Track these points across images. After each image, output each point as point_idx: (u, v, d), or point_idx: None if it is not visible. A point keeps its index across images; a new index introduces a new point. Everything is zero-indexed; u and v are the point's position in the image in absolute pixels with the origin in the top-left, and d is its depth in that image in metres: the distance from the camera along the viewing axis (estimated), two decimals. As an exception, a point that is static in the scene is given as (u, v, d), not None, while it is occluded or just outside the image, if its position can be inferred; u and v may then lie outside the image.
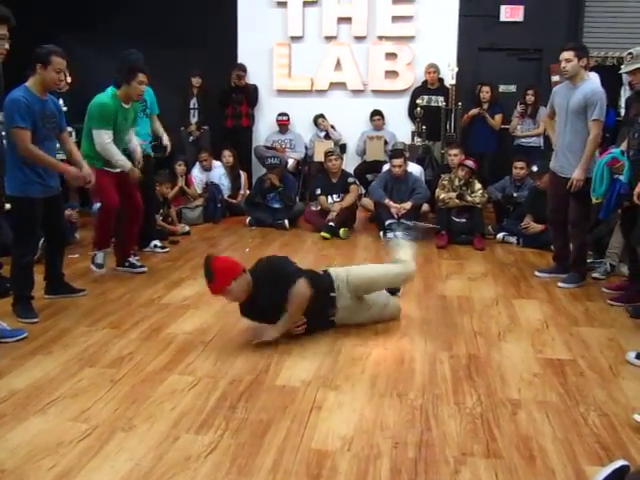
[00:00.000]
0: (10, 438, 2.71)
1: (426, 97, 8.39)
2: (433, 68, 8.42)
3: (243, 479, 2.45)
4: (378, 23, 8.88)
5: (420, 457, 2.60)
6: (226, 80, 8.86)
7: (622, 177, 4.54)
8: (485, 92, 8.13)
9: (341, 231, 6.81)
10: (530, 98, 8.01)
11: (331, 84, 9.13)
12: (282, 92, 9.24)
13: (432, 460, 2.58)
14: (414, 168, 7.52)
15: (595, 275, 5.30)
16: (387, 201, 6.91)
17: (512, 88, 8.99)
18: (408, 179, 7.07)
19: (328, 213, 7.07)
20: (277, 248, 6.40)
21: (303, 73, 9.15)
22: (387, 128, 8.84)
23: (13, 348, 3.69)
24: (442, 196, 6.70)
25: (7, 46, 3.69)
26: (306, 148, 8.98)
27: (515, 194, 6.93)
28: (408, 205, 6.85)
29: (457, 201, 6.65)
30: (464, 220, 6.67)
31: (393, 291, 4.43)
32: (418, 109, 8.15)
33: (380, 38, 8.94)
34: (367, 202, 7.53)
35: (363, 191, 7.87)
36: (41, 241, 4.73)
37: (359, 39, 8.98)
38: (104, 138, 4.89)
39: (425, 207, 7.24)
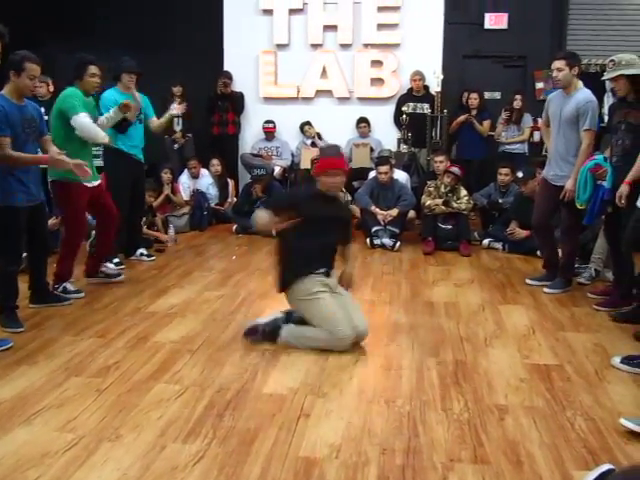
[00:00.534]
0: (-5, 449, 2.69)
1: (412, 104, 8.42)
2: (419, 76, 8.46)
3: (231, 488, 2.45)
4: (363, 31, 8.92)
5: (408, 464, 2.60)
6: (212, 88, 8.85)
7: (605, 183, 4.58)
8: (473, 99, 8.16)
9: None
10: (518, 103, 8.06)
11: (317, 91, 9.15)
12: (268, 99, 9.25)
13: (420, 467, 2.58)
14: (400, 175, 7.54)
15: (580, 280, 5.33)
16: (373, 208, 6.93)
17: (497, 95, 9.04)
18: (394, 186, 7.09)
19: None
20: (264, 255, 6.39)
21: (289, 80, 9.17)
22: (373, 135, 8.87)
23: (-2, 358, 3.66)
24: (428, 203, 6.72)
25: None
26: (292, 155, 8.99)
27: (500, 200, 6.98)
28: (394, 212, 6.87)
29: (443, 208, 6.68)
30: (450, 227, 6.70)
31: None
32: (404, 116, 8.18)
33: (366, 46, 8.98)
34: (353, 209, 7.52)
35: (349, 198, 7.87)
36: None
37: (345, 47, 9.01)
38: (85, 121, 4.74)
39: (411, 214, 7.26)
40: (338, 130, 8.90)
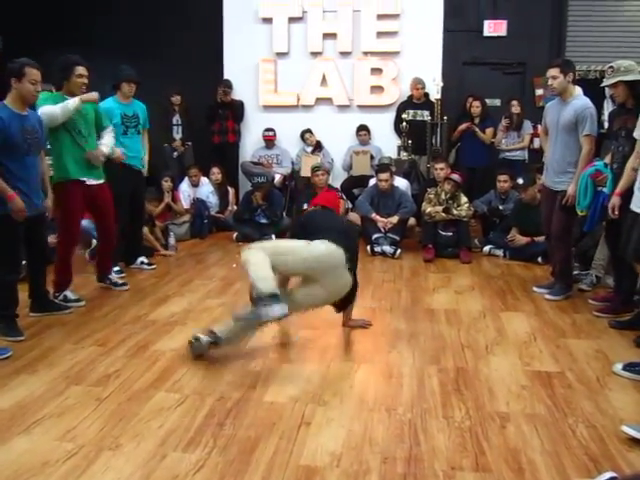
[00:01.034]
0: (-6, 459, 2.68)
1: (411, 111, 8.42)
2: (420, 84, 8.45)
3: (231, 497, 2.44)
4: (363, 39, 8.93)
5: (409, 472, 2.59)
6: (212, 96, 8.87)
7: (606, 189, 4.58)
8: (476, 106, 8.15)
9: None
10: (516, 108, 8.06)
11: (317, 99, 9.16)
12: (268, 108, 9.26)
13: (421, 475, 2.57)
14: (400, 182, 7.54)
15: (581, 287, 5.32)
16: (374, 215, 6.93)
17: (497, 102, 9.05)
18: (394, 193, 7.09)
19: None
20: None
21: (289, 89, 9.18)
22: (373, 143, 8.87)
23: (-3, 367, 3.65)
24: (428, 210, 6.72)
25: None
26: (293, 163, 8.99)
27: (501, 207, 6.98)
28: (395, 219, 6.87)
29: (443, 215, 6.68)
30: (450, 234, 6.70)
31: None
32: (404, 124, 8.18)
33: (365, 53, 8.99)
34: (354, 216, 7.53)
35: (350, 206, 7.87)
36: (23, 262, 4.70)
37: (344, 54, 9.03)
38: (51, 106, 4.61)
39: (411, 221, 7.26)
40: (338, 138, 8.92)
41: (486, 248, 6.81)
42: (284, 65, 9.16)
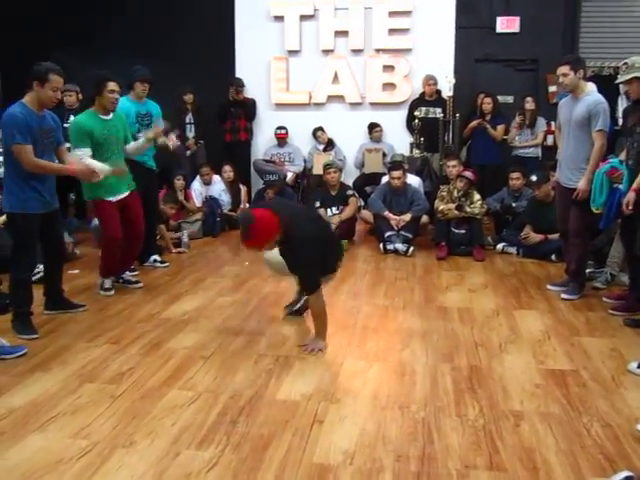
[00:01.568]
0: (9, 456, 2.69)
1: (424, 109, 8.39)
2: (432, 80, 8.42)
3: (244, 495, 2.44)
4: (375, 36, 8.91)
5: (423, 470, 2.58)
6: (224, 95, 8.88)
7: (621, 186, 4.54)
8: (487, 103, 8.10)
9: (341, 244, 6.79)
10: (531, 105, 8.00)
11: (329, 97, 9.14)
12: (280, 106, 9.25)
13: (435, 473, 2.56)
14: (413, 180, 7.52)
15: (596, 285, 5.28)
16: (386, 213, 6.91)
17: (509, 99, 9.01)
18: (407, 191, 7.07)
19: (327, 226, 7.06)
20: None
21: (301, 87, 9.17)
22: (385, 140, 8.85)
23: (11, 365, 3.67)
24: (441, 207, 6.70)
25: None
26: (305, 161, 8.99)
27: (514, 204, 6.93)
28: (407, 217, 6.85)
29: (456, 212, 6.65)
30: (463, 231, 6.67)
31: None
32: (416, 121, 8.15)
33: (377, 51, 8.97)
34: (366, 214, 7.52)
35: (362, 203, 7.86)
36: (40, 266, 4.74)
37: (356, 52, 9.01)
38: (78, 152, 4.69)
39: (424, 219, 7.24)
40: (350, 135, 8.90)
41: (499, 246, 6.78)
42: (296, 63, 9.16)
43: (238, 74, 9.14)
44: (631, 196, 4.23)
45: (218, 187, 8.20)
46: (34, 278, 4.48)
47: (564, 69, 4.78)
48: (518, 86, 8.86)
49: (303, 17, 9.03)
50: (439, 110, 8.32)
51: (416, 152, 8.20)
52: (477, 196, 6.74)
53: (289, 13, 9.03)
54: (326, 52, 9.08)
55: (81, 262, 6.07)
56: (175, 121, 8.39)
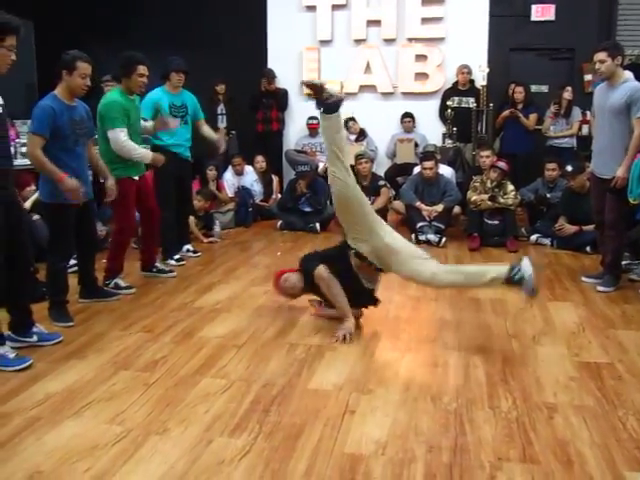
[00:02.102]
0: (46, 441, 2.74)
1: (456, 99, 8.32)
2: (466, 69, 8.36)
3: (276, 483, 2.45)
4: (407, 25, 8.85)
5: (455, 462, 2.57)
6: (256, 85, 8.90)
7: (659, 177, 4.46)
8: (518, 92, 8.01)
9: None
10: (569, 95, 7.87)
11: (361, 87, 9.12)
12: (312, 96, 9.22)
13: (467, 465, 2.55)
14: (445, 170, 7.47)
15: (632, 277, 5.20)
16: (418, 204, 6.88)
17: (544, 88, 8.88)
18: (439, 181, 7.03)
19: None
20: (309, 251, 6.38)
21: (333, 77, 9.11)
22: (417, 130, 8.80)
23: (48, 352, 3.73)
24: (474, 198, 6.64)
25: (14, 57, 3.48)
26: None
27: (548, 195, 6.85)
28: (440, 208, 6.80)
29: (489, 203, 6.59)
30: (497, 222, 6.61)
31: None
32: (449, 111, 8.09)
33: (410, 40, 8.91)
34: (398, 205, 7.49)
35: (394, 194, 7.83)
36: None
37: (388, 41, 8.96)
38: (120, 137, 4.78)
39: (457, 209, 7.19)
40: (382, 125, 8.87)
41: (533, 237, 6.71)
42: (328, 53, 9.14)
43: (270, 64, 9.15)
44: None
45: (250, 177, 8.24)
46: (70, 270, 4.54)
47: (601, 55, 4.69)
48: (553, 75, 8.74)
49: (335, 7, 9.01)
50: (472, 100, 8.25)
51: (448, 142, 8.15)
52: (511, 187, 6.66)
53: (321, 3, 9.02)
54: (358, 42, 9.06)
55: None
56: (207, 111, 8.46)
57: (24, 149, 6.97)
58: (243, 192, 7.93)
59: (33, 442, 2.73)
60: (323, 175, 8.42)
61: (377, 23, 8.96)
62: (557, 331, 4.10)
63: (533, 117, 8.04)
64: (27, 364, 3.50)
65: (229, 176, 8.19)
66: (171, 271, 5.46)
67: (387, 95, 9.09)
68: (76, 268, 4.78)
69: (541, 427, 2.85)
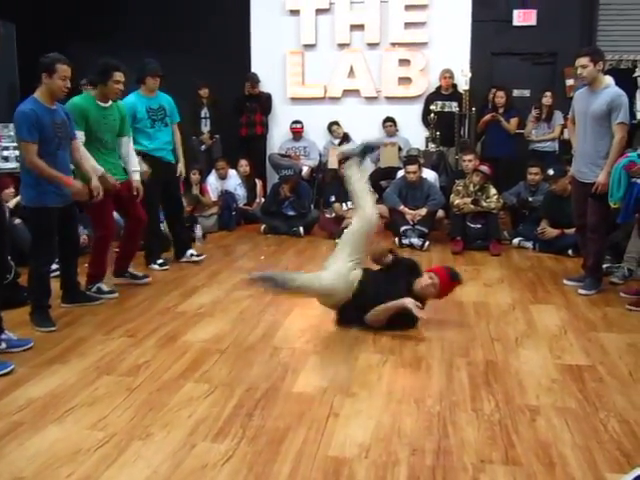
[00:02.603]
0: (28, 446, 2.72)
1: (440, 103, 8.35)
2: (449, 73, 8.41)
3: (260, 487, 2.45)
4: (391, 30, 8.89)
5: (438, 464, 2.58)
6: (240, 89, 8.90)
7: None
8: (499, 97, 8.07)
9: (356, 238, 6.78)
10: (548, 100, 7.93)
11: (344, 91, 9.14)
12: (296, 100, 9.26)
13: (450, 467, 2.56)
14: (429, 174, 7.50)
15: (613, 280, 5.25)
16: (402, 207, 6.90)
17: (526, 93, 8.95)
18: (423, 185, 7.05)
19: (343, 220, 7.06)
20: (292, 255, 6.40)
21: (316, 81, 9.17)
22: (401, 134, 8.83)
23: (30, 357, 3.70)
24: (457, 202, 6.67)
25: None
26: (320, 155, 8.99)
27: (530, 199, 6.89)
28: (423, 211, 6.83)
29: (472, 207, 6.62)
30: (479, 226, 6.64)
31: None
32: (432, 115, 8.13)
33: (393, 45, 8.94)
34: (382, 209, 7.49)
35: (377, 198, 7.84)
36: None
37: (372, 46, 8.99)
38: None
39: (440, 213, 7.22)
40: (366, 130, 8.83)
41: (515, 240, 6.75)
42: (311, 57, 9.16)
43: (254, 68, 9.16)
44: None
45: (234, 181, 8.23)
46: (52, 275, 4.50)
47: (584, 60, 4.72)
48: (535, 80, 8.80)
49: (319, 11, 9.03)
50: (455, 104, 8.29)
51: (432, 146, 8.19)
52: (493, 190, 6.70)
53: (305, 7, 9.04)
54: (342, 46, 9.08)
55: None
56: (190, 115, 8.45)
57: (5, 153, 6.93)
58: (227, 196, 7.92)
59: (15, 447, 2.71)
60: (307, 179, 8.46)
61: (360, 27, 8.99)
62: (539, 334, 4.12)
63: (514, 121, 8.09)
64: (9, 369, 3.48)
65: (213, 180, 8.18)
66: (145, 276, 5.40)
67: (371, 99, 9.12)
68: (58, 272, 4.75)
69: (523, 429, 2.87)
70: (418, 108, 8.84)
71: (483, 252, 6.44)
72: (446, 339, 4.02)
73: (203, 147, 8.74)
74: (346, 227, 6.75)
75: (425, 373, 3.50)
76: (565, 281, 5.28)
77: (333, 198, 7.42)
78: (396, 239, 6.76)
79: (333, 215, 7.47)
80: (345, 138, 8.82)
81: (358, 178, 4.42)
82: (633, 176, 4.55)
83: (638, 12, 8.67)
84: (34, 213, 4.17)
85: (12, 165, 6.70)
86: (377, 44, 8.97)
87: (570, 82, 8.71)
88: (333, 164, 8.27)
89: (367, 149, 4.51)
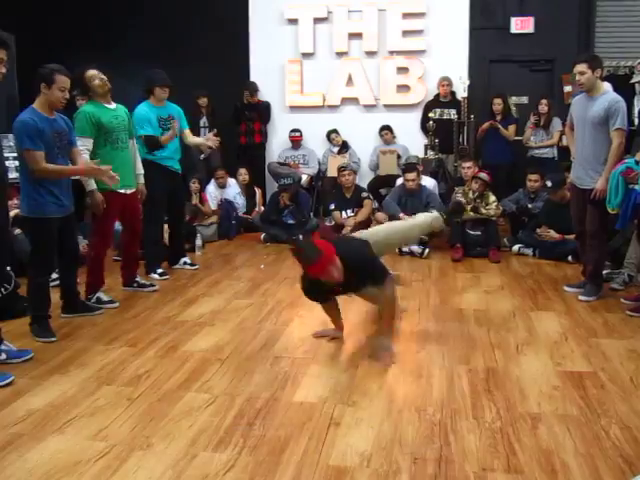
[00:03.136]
0: (28, 458, 2.71)
1: (438, 110, 8.39)
2: (447, 81, 8.45)
3: (262, 497, 2.44)
4: (389, 38, 8.93)
5: (440, 473, 2.57)
6: (238, 98, 8.92)
7: (637, 187, 4.50)
8: (497, 104, 8.10)
9: (355, 246, 6.77)
10: (543, 108, 7.95)
11: (343, 99, 9.17)
12: (294, 108, 9.28)
13: (452, 476, 2.55)
14: (428, 181, 7.51)
15: (613, 286, 5.24)
16: (401, 215, 6.88)
17: (524, 99, 8.97)
18: (422, 193, 7.06)
19: (342, 228, 7.07)
20: (292, 264, 6.36)
21: (315, 89, 9.20)
22: (400, 142, 8.85)
23: (30, 368, 3.70)
24: (456, 209, 6.67)
25: (4, 70, 3.59)
26: (319, 163, 9.00)
27: (529, 205, 6.90)
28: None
29: (471, 214, 6.63)
30: (479, 233, 6.65)
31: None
32: (430, 122, 8.15)
33: (391, 53, 8.98)
34: (381, 216, 7.50)
35: (377, 205, 7.86)
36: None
37: (370, 54, 9.03)
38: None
39: (439, 220, 7.21)
40: (364, 138, 8.92)
41: (515, 247, 6.75)
42: (310, 65, 9.19)
43: (252, 77, 9.19)
44: None
45: (233, 190, 8.24)
46: (52, 285, 4.50)
47: (582, 67, 4.73)
48: (533, 87, 8.81)
49: (317, 20, 9.07)
50: (454, 111, 8.32)
51: (431, 154, 8.20)
52: (492, 197, 6.71)
53: (303, 16, 9.07)
54: (340, 54, 9.11)
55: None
56: (189, 124, 8.45)
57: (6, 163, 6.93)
58: (226, 205, 7.92)
59: (16, 459, 2.70)
60: (306, 187, 8.47)
61: (359, 36, 9.03)
62: (540, 341, 4.12)
63: (512, 128, 8.12)
64: (9, 380, 3.47)
65: (212, 189, 8.18)
66: (152, 285, 5.43)
67: (369, 107, 9.14)
68: (58, 282, 4.75)
69: (525, 437, 2.86)
70: (417, 116, 8.86)
71: (483, 259, 6.44)
72: (446, 347, 4.02)
73: (202, 156, 8.74)
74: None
75: (426, 381, 3.49)
76: (565, 287, 5.27)
77: (333, 206, 7.42)
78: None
79: (333, 223, 7.47)
80: (344, 146, 8.85)
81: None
82: (630, 182, 4.56)
83: (635, 18, 8.69)
84: (33, 223, 4.17)
85: (12, 175, 6.69)
86: (375, 52, 9.00)
87: (568, 89, 8.73)
88: (332, 172, 8.28)
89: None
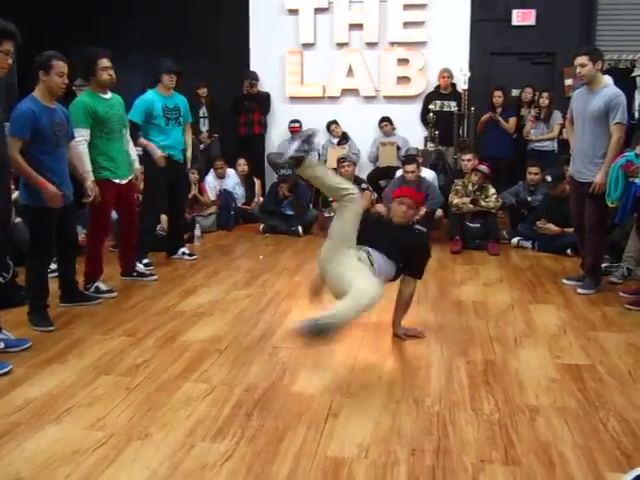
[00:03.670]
0: (26, 447, 2.71)
1: (438, 102, 8.37)
2: (447, 73, 8.42)
3: (259, 487, 2.44)
4: (389, 29, 8.89)
5: (438, 464, 2.58)
6: (238, 88, 8.89)
7: (637, 180, 4.50)
8: (497, 96, 8.08)
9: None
10: (544, 101, 7.93)
11: (343, 90, 9.14)
12: (294, 99, 9.25)
13: (450, 467, 2.56)
14: (427, 173, 7.49)
15: (612, 279, 5.24)
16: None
17: (515, 92, 8.93)
18: (421, 185, 7.04)
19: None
20: (291, 255, 6.40)
21: (315, 80, 9.16)
22: (399, 134, 8.82)
23: (28, 357, 3.69)
24: (455, 201, 6.67)
25: (10, 61, 3.59)
26: (319, 155, 8.97)
27: (529, 198, 6.90)
28: (422, 211, 6.81)
29: (471, 206, 6.62)
30: (478, 225, 6.64)
31: None
32: (431, 114, 8.13)
33: (392, 44, 8.94)
34: (380, 208, 7.50)
35: (376, 197, 7.84)
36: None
37: (371, 45, 8.99)
38: (77, 138, 4.55)
39: (438, 213, 7.21)
40: (364, 129, 8.89)
41: (514, 240, 6.75)
42: (310, 56, 9.15)
43: (252, 67, 9.15)
44: None
45: (232, 180, 8.22)
46: (50, 274, 4.49)
47: (583, 59, 4.72)
48: (534, 79, 8.77)
49: (318, 10, 9.03)
50: (454, 103, 8.31)
51: (431, 146, 8.19)
52: (492, 190, 6.70)
53: (304, 6, 9.03)
54: (340, 45, 9.07)
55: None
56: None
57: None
58: (225, 195, 7.91)
59: (13, 448, 2.70)
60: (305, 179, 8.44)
61: (359, 27, 8.99)
62: (538, 333, 4.12)
63: (512, 120, 8.10)
64: (7, 369, 3.47)
65: (211, 179, 8.17)
66: (152, 274, 5.42)
67: (369, 99, 9.11)
68: (56, 272, 4.74)
69: (523, 429, 2.86)
70: (417, 107, 8.83)
71: (482, 252, 6.44)
72: (445, 339, 4.02)
73: (202, 146, 8.71)
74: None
75: (424, 373, 3.50)
76: (564, 281, 5.27)
77: (331, 197, 7.41)
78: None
79: (332, 214, 7.45)
80: (344, 137, 8.82)
81: (324, 171, 3.94)
82: (630, 176, 4.56)
83: (637, 12, 8.66)
84: (32, 213, 4.16)
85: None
86: (376, 43, 8.96)
87: (569, 82, 8.69)
88: (331, 164, 8.26)
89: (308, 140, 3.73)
